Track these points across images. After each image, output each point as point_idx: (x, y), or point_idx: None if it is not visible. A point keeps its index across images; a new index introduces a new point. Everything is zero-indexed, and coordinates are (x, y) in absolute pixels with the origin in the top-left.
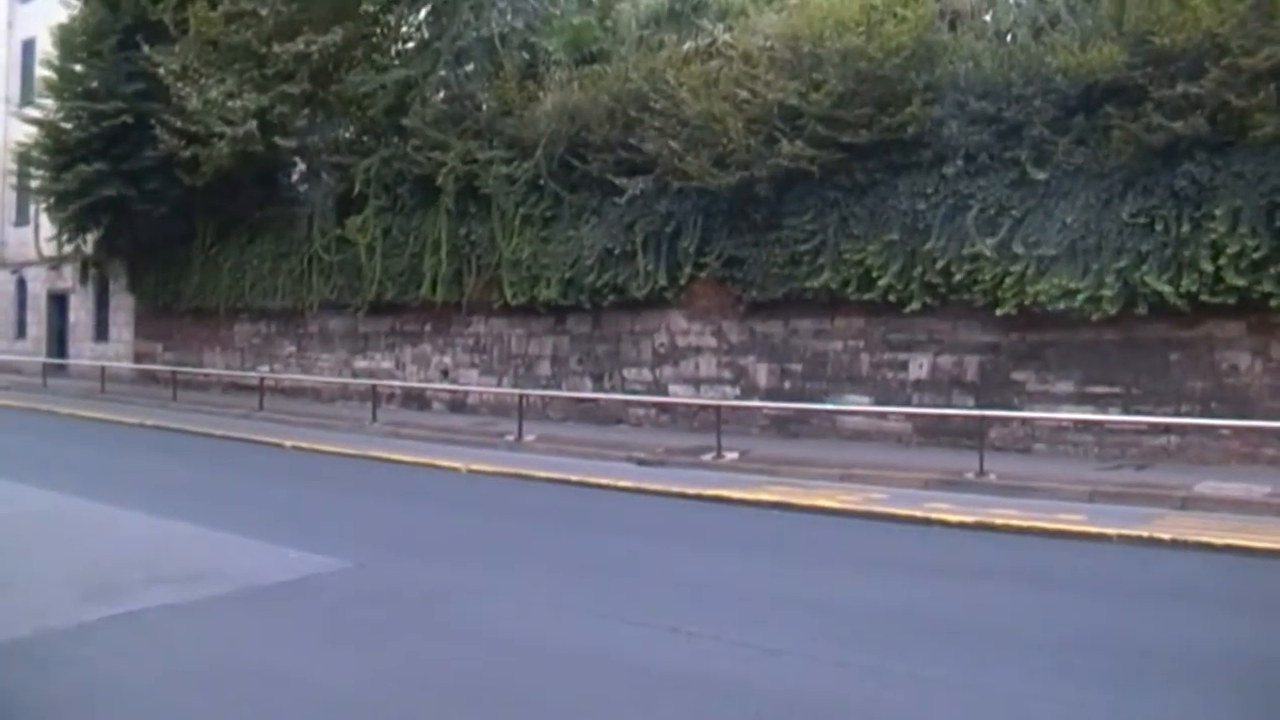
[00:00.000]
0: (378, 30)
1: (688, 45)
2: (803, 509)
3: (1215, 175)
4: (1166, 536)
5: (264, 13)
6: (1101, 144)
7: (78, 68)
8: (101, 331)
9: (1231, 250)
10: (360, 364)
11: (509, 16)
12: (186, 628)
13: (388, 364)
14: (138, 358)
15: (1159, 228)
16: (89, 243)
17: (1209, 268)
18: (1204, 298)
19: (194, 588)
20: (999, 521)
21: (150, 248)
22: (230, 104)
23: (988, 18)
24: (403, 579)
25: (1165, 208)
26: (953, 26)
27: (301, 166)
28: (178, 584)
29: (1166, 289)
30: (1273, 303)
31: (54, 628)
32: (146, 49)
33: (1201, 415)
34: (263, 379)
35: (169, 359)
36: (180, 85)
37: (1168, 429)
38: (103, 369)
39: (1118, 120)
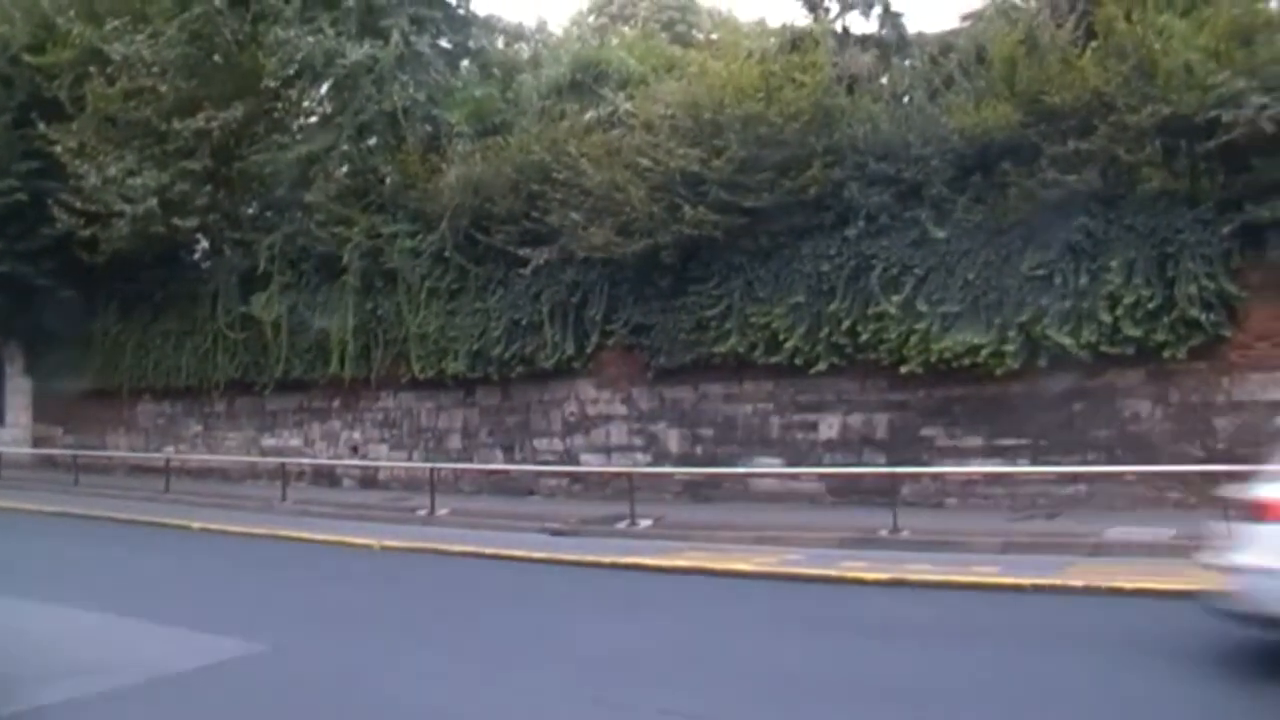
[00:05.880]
0: (279, 105)
1: (589, 115)
2: (719, 573)
3: (1109, 228)
4: (1079, 584)
5: (163, 89)
6: (999, 201)
7: None
8: None
9: (1128, 301)
10: (268, 442)
11: (411, 89)
12: None
13: (296, 441)
14: (36, 442)
15: (1058, 280)
16: None
17: (1107, 319)
18: (1104, 348)
19: (99, 680)
20: (914, 577)
21: (49, 328)
22: (130, 181)
23: (884, 80)
24: (318, 660)
25: (1063, 261)
26: (850, 90)
27: (204, 244)
28: (81, 677)
29: (1068, 341)
30: (1167, 352)
31: None
32: (42, 126)
33: (1107, 463)
34: (168, 460)
35: (69, 442)
36: (78, 163)
37: (1075, 478)
38: None
39: (1014, 177)
